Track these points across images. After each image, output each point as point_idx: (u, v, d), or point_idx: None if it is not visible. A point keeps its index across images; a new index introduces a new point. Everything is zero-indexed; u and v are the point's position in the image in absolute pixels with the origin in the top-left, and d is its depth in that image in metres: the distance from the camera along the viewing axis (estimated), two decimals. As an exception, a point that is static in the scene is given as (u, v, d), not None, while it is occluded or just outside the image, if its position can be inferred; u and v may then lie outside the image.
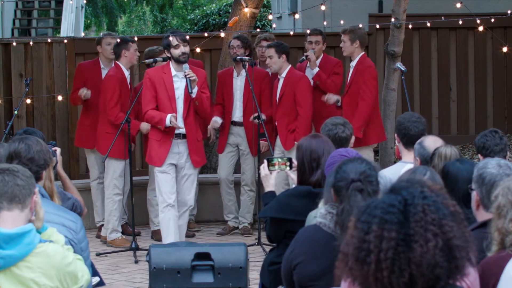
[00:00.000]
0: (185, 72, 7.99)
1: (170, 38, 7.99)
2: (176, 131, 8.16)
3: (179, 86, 8.13)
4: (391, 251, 2.34)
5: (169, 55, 8.11)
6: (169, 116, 8.04)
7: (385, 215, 2.37)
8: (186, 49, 8.05)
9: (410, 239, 2.34)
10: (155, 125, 8.20)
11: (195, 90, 8.02)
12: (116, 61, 9.23)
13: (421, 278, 2.34)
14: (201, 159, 8.36)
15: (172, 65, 8.16)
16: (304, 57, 9.57)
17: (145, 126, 8.90)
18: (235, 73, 9.60)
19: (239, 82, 9.56)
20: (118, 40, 9.33)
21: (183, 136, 8.17)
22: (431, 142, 5.54)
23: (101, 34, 10.89)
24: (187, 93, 8.06)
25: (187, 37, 8.15)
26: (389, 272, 2.34)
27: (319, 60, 9.53)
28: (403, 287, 2.35)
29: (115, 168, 9.17)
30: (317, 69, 9.41)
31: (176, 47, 8.00)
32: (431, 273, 2.35)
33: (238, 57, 9.36)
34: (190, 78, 7.96)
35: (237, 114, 9.58)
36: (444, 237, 2.37)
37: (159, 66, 8.53)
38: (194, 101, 8.06)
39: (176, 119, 8.08)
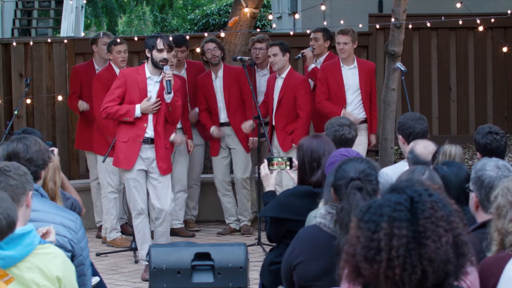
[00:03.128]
0: (165, 73, 7.71)
1: (158, 41, 7.74)
2: (145, 136, 7.84)
3: (152, 89, 7.85)
4: (402, 248, 2.35)
5: (149, 55, 7.82)
6: (138, 106, 7.75)
7: (393, 213, 2.39)
8: (169, 55, 7.87)
9: (421, 236, 2.36)
10: (119, 119, 7.87)
11: (171, 95, 7.72)
12: (110, 61, 9.26)
13: (433, 274, 2.36)
14: (168, 167, 7.96)
15: (147, 67, 7.88)
16: (300, 55, 9.54)
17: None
18: (213, 76, 9.51)
19: (218, 84, 9.50)
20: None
21: (151, 141, 7.85)
22: (423, 148, 5.52)
23: (96, 32, 10.88)
24: (161, 98, 7.78)
25: (173, 44, 7.98)
26: (401, 269, 2.35)
27: (323, 57, 9.49)
28: (414, 284, 2.36)
29: (106, 166, 9.10)
30: (313, 65, 9.38)
31: (160, 51, 7.74)
32: (442, 269, 2.37)
33: (238, 57, 9.34)
34: (169, 79, 7.68)
35: (223, 115, 9.53)
36: (453, 233, 2.40)
37: (133, 67, 8.42)
38: (168, 105, 7.78)
39: (148, 122, 7.80)
